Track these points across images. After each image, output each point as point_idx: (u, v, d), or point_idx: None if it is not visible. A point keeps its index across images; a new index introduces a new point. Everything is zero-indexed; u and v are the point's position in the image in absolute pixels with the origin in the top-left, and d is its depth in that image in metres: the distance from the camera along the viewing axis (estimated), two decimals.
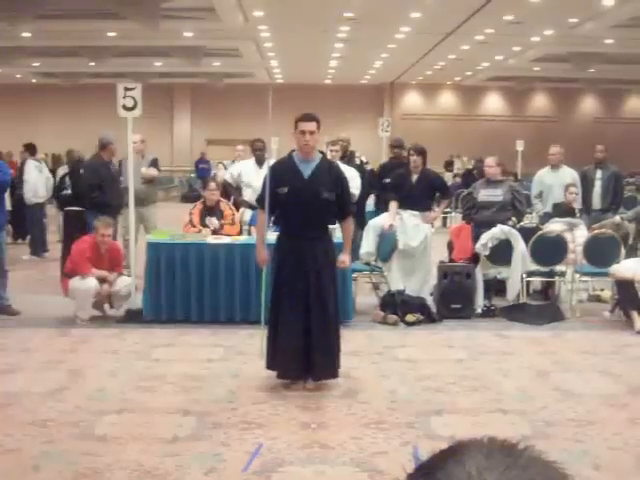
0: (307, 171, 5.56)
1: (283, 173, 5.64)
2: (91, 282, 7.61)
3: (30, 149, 12.73)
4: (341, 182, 5.72)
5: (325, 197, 5.51)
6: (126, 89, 7.89)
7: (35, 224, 12.46)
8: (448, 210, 15.06)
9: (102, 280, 7.71)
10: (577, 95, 29.59)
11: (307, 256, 5.49)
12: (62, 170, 12.37)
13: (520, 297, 8.36)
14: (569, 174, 10.04)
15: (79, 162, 10.59)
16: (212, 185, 8.97)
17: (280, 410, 5.18)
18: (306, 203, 5.47)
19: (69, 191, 9.99)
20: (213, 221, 8.45)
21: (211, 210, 8.70)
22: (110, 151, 9.29)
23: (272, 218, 5.96)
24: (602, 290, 9.06)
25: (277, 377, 5.68)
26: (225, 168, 9.33)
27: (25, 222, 12.98)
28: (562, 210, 9.32)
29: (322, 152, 6.06)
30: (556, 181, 9.78)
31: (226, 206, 8.87)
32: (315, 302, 5.51)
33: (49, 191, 12.29)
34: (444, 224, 16.39)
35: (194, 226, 8.58)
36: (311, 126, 5.50)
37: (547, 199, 9.91)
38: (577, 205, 9.71)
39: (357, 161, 10.13)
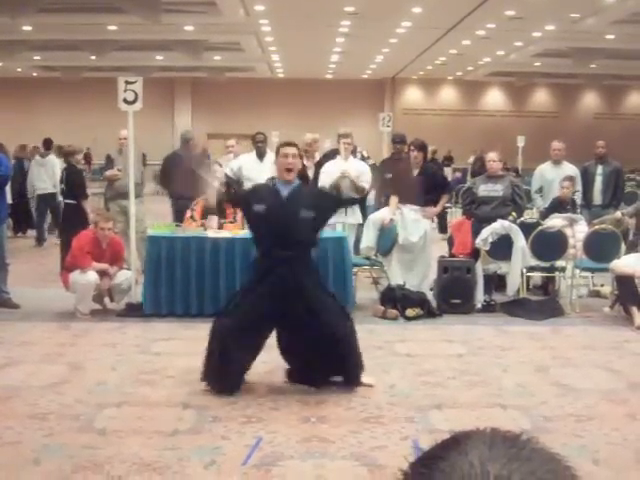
0: (285, 192, 5.54)
1: (262, 192, 5.72)
2: (91, 276, 7.61)
3: (44, 144, 13.03)
4: (322, 198, 5.88)
5: (303, 216, 5.42)
6: (127, 83, 7.88)
7: (40, 214, 12.96)
8: (448, 205, 15.01)
9: (102, 273, 7.72)
10: (578, 91, 29.54)
11: (287, 280, 5.31)
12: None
13: (520, 292, 8.36)
14: (570, 169, 10.04)
15: (71, 155, 10.47)
16: None
17: (280, 404, 5.18)
18: (284, 222, 5.38)
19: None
20: (212, 224, 8.30)
21: (213, 208, 8.55)
22: (192, 146, 10.10)
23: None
24: (602, 286, 9.07)
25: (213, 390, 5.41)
26: (220, 166, 9.28)
27: (26, 215, 13.30)
28: (554, 205, 9.31)
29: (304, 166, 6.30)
30: (557, 176, 9.77)
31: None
32: (310, 320, 5.31)
33: (56, 184, 12.28)
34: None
35: (195, 221, 8.50)
36: (293, 150, 5.67)
37: (547, 194, 9.91)
38: (578, 200, 9.72)
39: (358, 156, 10.11)
